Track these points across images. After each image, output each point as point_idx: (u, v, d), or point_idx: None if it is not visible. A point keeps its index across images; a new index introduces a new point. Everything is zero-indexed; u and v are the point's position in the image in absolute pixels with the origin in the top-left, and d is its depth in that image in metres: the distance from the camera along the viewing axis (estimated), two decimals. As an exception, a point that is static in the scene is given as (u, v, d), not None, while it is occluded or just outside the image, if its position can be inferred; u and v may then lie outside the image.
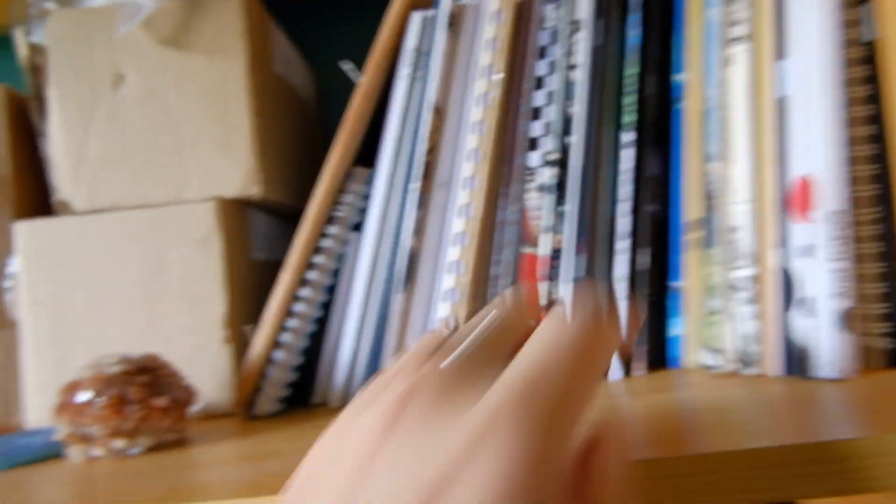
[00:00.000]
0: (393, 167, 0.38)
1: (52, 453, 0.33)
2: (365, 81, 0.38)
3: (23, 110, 0.46)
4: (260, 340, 0.37)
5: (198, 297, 0.41)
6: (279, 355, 0.37)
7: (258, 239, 0.47)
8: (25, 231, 0.42)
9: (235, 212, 0.43)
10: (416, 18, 0.39)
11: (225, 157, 0.43)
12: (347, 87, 0.43)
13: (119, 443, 0.31)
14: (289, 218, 0.50)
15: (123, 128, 0.43)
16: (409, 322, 0.36)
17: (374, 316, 0.37)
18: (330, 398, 0.38)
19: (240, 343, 0.41)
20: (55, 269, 0.42)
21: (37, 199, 0.46)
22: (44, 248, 0.42)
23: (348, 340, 0.38)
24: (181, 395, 0.33)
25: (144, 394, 0.31)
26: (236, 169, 0.43)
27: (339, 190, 0.38)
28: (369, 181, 0.39)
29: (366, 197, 0.39)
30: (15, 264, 0.43)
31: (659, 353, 0.35)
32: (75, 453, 0.32)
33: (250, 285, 0.44)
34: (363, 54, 0.40)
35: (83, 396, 0.31)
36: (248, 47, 0.43)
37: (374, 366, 0.37)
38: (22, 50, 0.46)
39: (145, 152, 0.43)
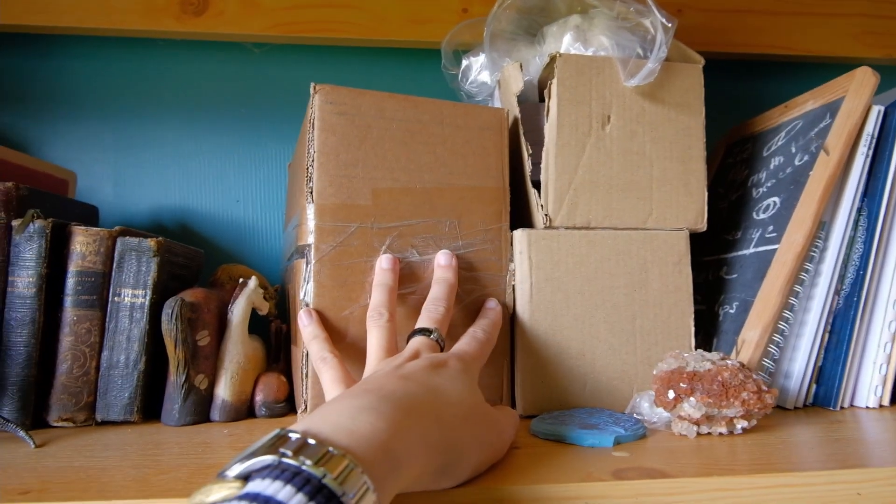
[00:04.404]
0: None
1: (642, 433, 0.41)
2: (836, 155, 0.50)
3: (514, 132, 0.52)
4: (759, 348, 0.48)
5: (672, 309, 0.50)
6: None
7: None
8: (524, 238, 0.49)
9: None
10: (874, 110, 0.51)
11: (685, 195, 0.52)
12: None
13: (743, 422, 0.40)
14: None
15: (606, 160, 0.51)
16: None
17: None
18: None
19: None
20: (553, 274, 0.49)
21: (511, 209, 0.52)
22: (544, 254, 0.49)
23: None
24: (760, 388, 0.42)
25: (759, 385, 0.40)
26: (692, 205, 0.52)
27: (816, 236, 0.50)
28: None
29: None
30: (514, 266, 0.49)
31: None
32: (688, 430, 0.41)
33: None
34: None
35: (710, 385, 0.40)
36: (703, 106, 0.53)
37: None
38: (517, 85, 0.52)
39: (620, 183, 0.51)
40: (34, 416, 0.44)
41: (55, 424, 0.45)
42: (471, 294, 0.48)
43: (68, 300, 0.46)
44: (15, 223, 0.45)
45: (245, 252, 0.72)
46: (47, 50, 0.71)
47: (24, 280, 0.45)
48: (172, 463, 0.36)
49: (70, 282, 0.46)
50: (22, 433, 0.40)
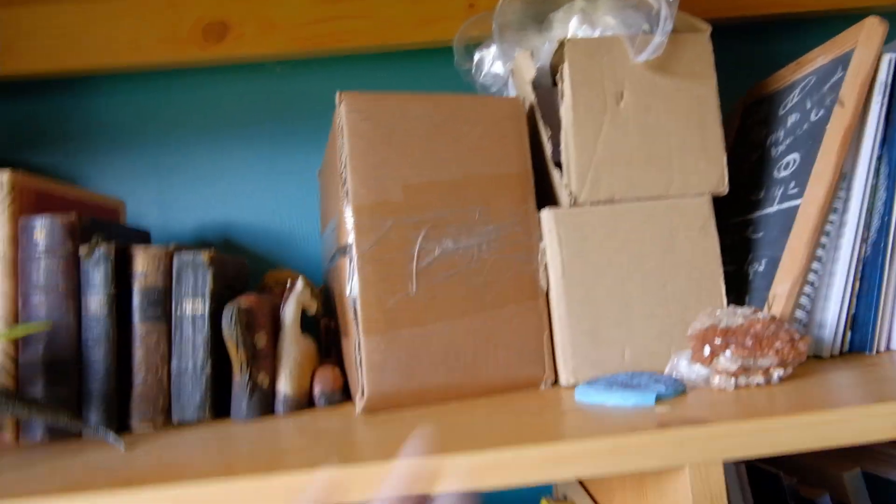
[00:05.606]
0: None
1: (682, 390, 0.43)
2: (851, 106, 0.51)
3: (531, 118, 0.54)
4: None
5: (702, 271, 0.52)
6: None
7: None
8: (552, 217, 0.51)
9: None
10: (886, 59, 0.52)
11: (704, 161, 0.54)
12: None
13: (779, 371, 0.42)
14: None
15: (623, 135, 0.53)
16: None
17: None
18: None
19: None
20: (583, 249, 0.51)
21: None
22: (572, 231, 0.51)
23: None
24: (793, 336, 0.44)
25: (791, 334, 0.42)
26: (712, 171, 0.54)
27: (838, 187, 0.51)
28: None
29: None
30: (544, 244, 0.51)
31: None
32: (726, 383, 0.42)
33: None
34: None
35: (743, 339, 0.41)
36: (715, 73, 0.54)
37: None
38: (529, 72, 0.54)
39: (640, 155, 0.53)
40: (118, 423, 0.49)
41: (138, 429, 0.49)
42: (504, 273, 0.50)
43: (136, 316, 0.50)
44: (81, 250, 0.49)
45: (285, 258, 0.76)
46: (85, 91, 0.75)
47: (96, 302, 0.49)
48: (250, 449, 0.39)
49: (136, 299, 0.50)
50: (112, 438, 0.44)
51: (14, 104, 0.75)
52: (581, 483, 0.58)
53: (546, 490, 0.71)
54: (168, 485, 0.33)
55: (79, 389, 0.48)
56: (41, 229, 0.48)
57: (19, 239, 0.49)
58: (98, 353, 0.48)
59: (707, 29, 0.56)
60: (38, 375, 0.47)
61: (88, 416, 0.48)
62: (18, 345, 0.48)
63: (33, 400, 0.43)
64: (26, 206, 0.52)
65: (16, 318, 0.49)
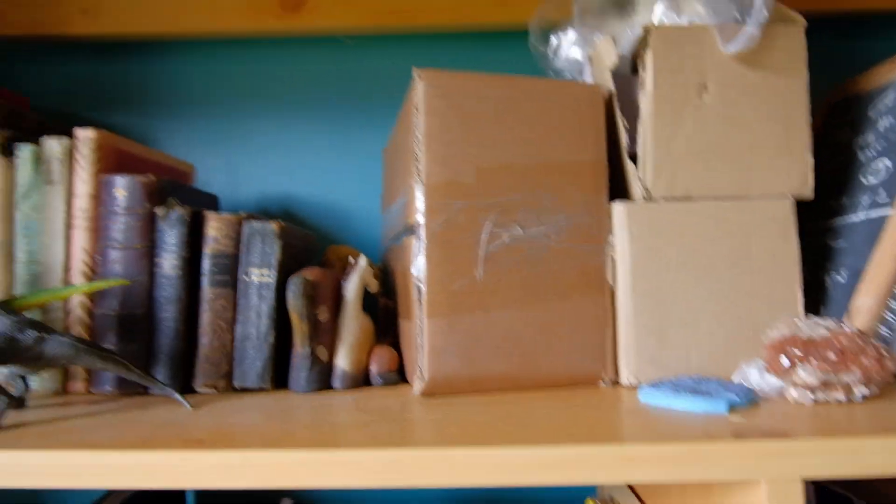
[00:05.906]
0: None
1: (755, 400, 0.42)
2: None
3: (609, 106, 0.53)
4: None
5: (778, 277, 0.50)
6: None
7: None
8: (624, 210, 0.50)
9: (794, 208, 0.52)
10: None
11: (787, 161, 0.51)
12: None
13: (863, 389, 0.40)
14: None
15: (704, 129, 0.51)
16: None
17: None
18: None
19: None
20: (653, 245, 0.50)
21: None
22: (644, 226, 0.50)
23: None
24: (881, 353, 0.42)
25: (879, 350, 0.40)
26: (796, 172, 0.51)
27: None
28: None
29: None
30: (613, 238, 0.50)
31: None
32: (804, 397, 0.41)
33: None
34: None
35: (826, 353, 0.39)
36: (806, 69, 0.51)
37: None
38: (610, 59, 0.52)
39: (720, 151, 0.51)
40: (182, 383, 0.50)
41: (201, 390, 0.50)
42: (571, 264, 0.49)
43: (205, 280, 0.51)
44: (158, 211, 0.51)
45: (343, 234, 0.77)
46: (160, 55, 0.77)
47: (169, 262, 0.50)
48: (312, 421, 0.40)
49: (206, 263, 0.51)
50: (179, 396, 0.45)
51: (92, 64, 0.77)
52: (631, 488, 0.57)
53: (589, 490, 0.71)
54: (236, 450, 0.34)
55: (148, 346, 0.50)
56: (122, 188, 0.50)
57: (101, 196, 0.51)
58: (168, 312, 0.50)
59: (801, 22, 0.53)
60: (111, 330, 0.49)
61: (156, 373, 0.49)
62: (95, 299, 0.50)
63: (108, 352, 0.44)
64: (108, 164, 0.53)
65: (93, 272, 0.51)
